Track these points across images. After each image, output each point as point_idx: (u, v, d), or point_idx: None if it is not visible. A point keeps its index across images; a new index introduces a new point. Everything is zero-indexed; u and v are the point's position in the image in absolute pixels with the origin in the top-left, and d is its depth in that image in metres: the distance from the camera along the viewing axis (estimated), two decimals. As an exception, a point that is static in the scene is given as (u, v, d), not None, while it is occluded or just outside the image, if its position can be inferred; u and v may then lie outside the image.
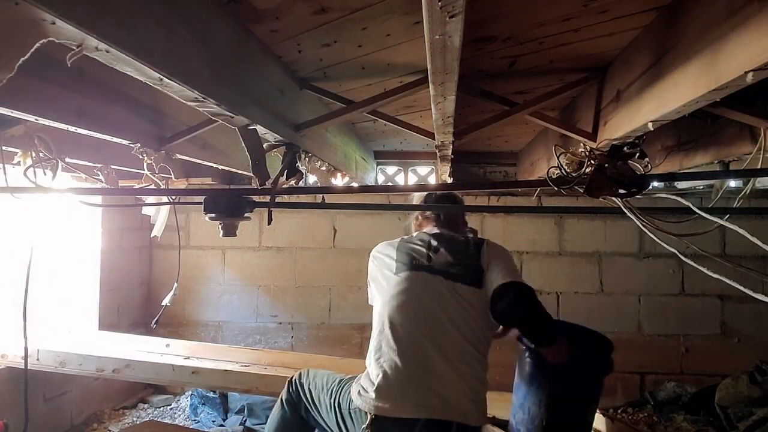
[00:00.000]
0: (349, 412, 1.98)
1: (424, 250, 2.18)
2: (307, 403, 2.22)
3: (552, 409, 2.29)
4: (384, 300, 2.09)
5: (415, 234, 2.37)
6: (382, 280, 2.17)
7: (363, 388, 1.94)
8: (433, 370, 1.91)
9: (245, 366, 3.25)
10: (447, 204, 2.43)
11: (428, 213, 2.40)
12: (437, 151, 2.66)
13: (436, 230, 2.31)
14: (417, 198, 2.51)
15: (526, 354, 2.34)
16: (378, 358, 1.97)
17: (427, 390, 1.88)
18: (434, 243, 2.20)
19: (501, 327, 2.10)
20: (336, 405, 2.05)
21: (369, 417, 1.86)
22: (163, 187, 2.37)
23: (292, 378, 2.34)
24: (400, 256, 2.18)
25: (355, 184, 3.87)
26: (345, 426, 2.01)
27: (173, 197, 2.46)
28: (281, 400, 2.31)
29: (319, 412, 2.16)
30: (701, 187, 3.36)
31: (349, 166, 3.45)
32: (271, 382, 3.00)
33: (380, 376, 1.91)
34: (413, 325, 1.99)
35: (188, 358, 3.38)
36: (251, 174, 1.86)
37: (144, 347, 3.53)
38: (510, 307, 1.95)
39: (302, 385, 2.26)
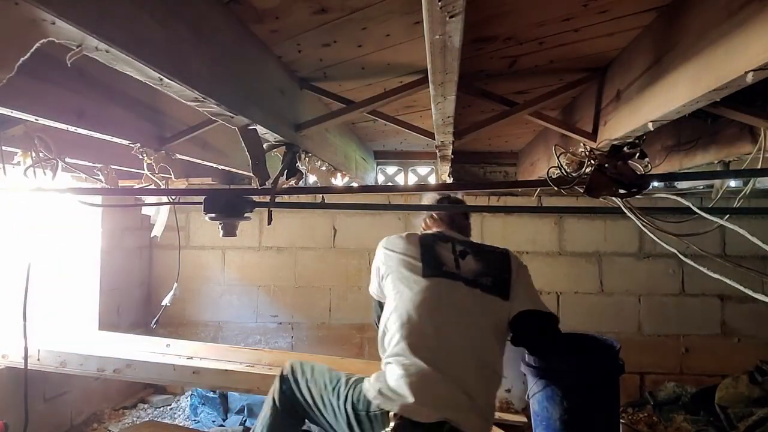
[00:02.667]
0: (367, 415, 1.87)
1: (451, 255, 2.13)
2: (305, 403, 2.08)
3: (574, 417, 2.34)
4: (407, 301, 2.00)
5: (430, 233, 2.31)
6: (404, 280, 2.07)
7: (388, 388, 1.84)
8: (460, 378, 1.85)
9: (249, 366, 3.25)
10: (449, 204, 2.41)
11: (437, 215, 2.38)
12: (437, 151, 2.66)
13: (453, 233, 2.27)
14: (426, 199, 2.50)
15: (536, 376, 2.40)
16: (403, 361, 1.87)
17: (455, 397, 1.81)
18: (460, 248, 2.16)
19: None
20: (349, 407, 1.92)
21: (395, 419, 1.76)
22: (163, 187, 2.37)
23: (283, 374, 2.17)
24: (426, 257, 2.10)
25: (355, 184, 3.87)
26: (360, 428, 1.90)
27: (173, 197, 2.46)
28: (273, 399, 2.15)
29: (322, 413, 2.04)
30: (701, 187, 3.35)
31: (349, 166, 3.45)
32: (272, 383, 3.00)
33: (408, 378, 1.82)
34: (442, 330, 1.93)
35: (190, 358, 3.37)
36: (251, 174, 1.86)
37: (144, 347, 3.53)
38: (537, 336, 2.10)
39: (298, 383, 2.11)
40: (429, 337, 1.91)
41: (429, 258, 2.10)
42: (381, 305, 2.21)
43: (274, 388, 2.17)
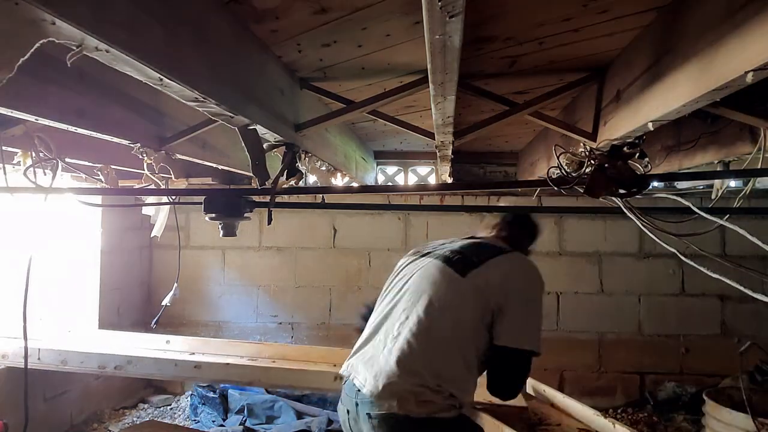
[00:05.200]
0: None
1: (443, 243, 2.03)
2: None
3: None
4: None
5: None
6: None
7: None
8: (373, 345, 1.83)
9: (250, 359, 3.24)
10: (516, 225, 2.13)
11: (492, 223, 2.16)
12: (437, 151, 2.66)
13: (485, 236, 2.11)
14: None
15: None
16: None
17: (363, 363, 1.80)
18: (462, 241, 2.03)
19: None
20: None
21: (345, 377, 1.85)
22: (163, 187, 2.37)
23: None
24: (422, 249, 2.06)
25: (355, 184, 3.87)
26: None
27: (173, 197, 2.46)
28: None
29: None
30: (701, 187, 3.36)
31: (349, 166, 3.45)
32: (274, 375, 2.99)
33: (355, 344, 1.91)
34: (384, 302, 1.92)
35: (192, 354, 3.36)
36: (251, 174, 1.86)
37: (145, 344, 3.53)
38: (494, 372, 1.80)
39: None
40: (379, 307, 1.95)
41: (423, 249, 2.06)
42: None
43: None
